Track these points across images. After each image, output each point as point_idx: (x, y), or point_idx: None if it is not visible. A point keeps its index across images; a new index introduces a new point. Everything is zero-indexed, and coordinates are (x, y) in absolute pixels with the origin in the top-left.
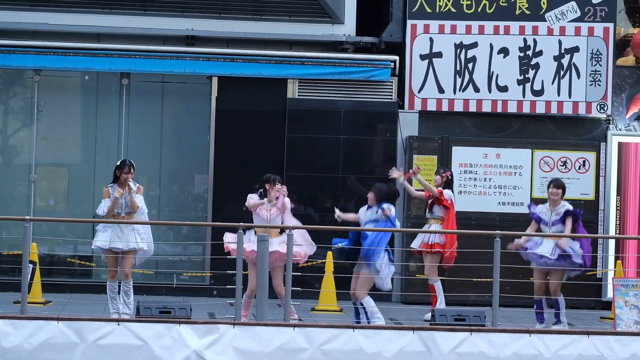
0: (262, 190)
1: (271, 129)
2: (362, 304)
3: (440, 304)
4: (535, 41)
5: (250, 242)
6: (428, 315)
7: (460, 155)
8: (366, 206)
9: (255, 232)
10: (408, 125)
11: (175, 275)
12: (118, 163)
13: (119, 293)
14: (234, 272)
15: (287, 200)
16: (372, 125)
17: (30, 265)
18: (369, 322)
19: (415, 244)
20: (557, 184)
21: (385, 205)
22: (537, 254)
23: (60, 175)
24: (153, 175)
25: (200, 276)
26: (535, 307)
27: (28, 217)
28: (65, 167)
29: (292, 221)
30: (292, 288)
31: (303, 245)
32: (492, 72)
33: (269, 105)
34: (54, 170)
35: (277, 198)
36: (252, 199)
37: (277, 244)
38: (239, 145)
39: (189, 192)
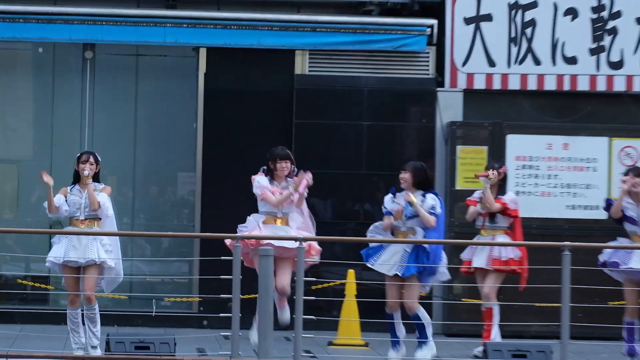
0: (265, 168)
1: (275, 114)
2: (416, 317)
3: (495, 335)
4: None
5: (257, 228)
6: (479, 350)
7: (517, 145)
8: (390, 195)
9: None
10: (450, 107)
11: (155, 300)
12: (78, 155)
13: (82, 323)
14: (229, 296)
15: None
16: (404, 109)
17: None
18: (423, 340)
19: (480, 261)
20: (638, 172)
21: (430, 198)
22: (630, 268)
23: (7, 174)
24: (125, 174)
25: (186, 302)
26: (626, 336)
27: None
28: (13, 164)
29: (307, 222)
30: (304, 317)
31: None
32: (557, 39)
33: (271, 84)
34: None
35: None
36: (264, 187)
37: (285, 234)
38: (234, 135)
39: (171, 195)
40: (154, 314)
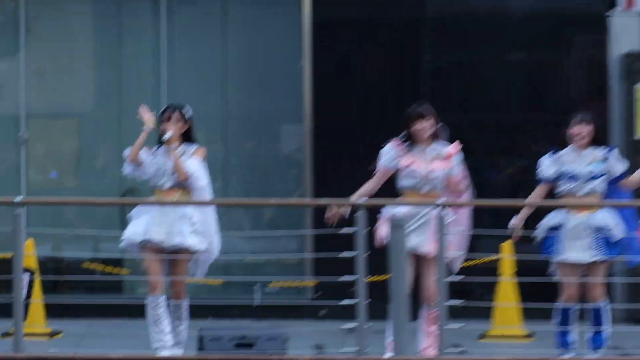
0: (405, 134)
1: (399, 48)
2: (599, 308)
3: None
4: None
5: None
6: None
7: None
8: (550, 157)
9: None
10: (625, 35)
11: (258, 286)
12: (161, 111)
13: (167, 315)
14: (353, 277)
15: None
16: (564, 37)
17: (26, 276)
18: (599, 338)
19: None
20: None
21: (615, 155)
22: None
23: (65, 131)
24: (213, 127)
25: (297, 287)
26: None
27: (18, 198)
28: (73, 119)
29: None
30: (449, 302)
31: (457, 243)
32: None
33: (396, 11)
34: (55, 123)
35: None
36: (381, 162)
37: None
38: (350, 76)
39: (273, 152)
40: (256, 303)
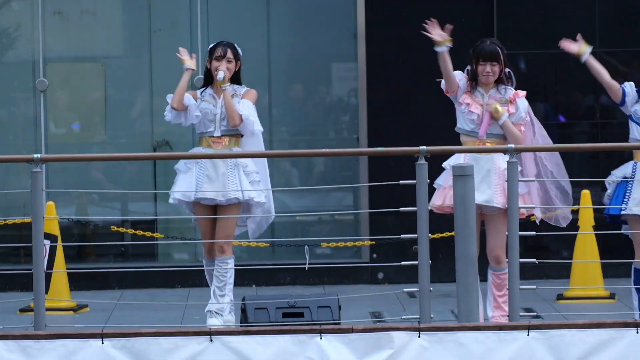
0: (469, 69)
1: None
2: None
3: None
4: None
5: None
6: None
7: None
8: (630, 85)
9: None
10: None
11: (308, 248)
12: (210, 47)
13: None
14: (413, 236)
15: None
16: None
17: (47, 243)
18: None
19: None
20: None
21: None
22: None
23: (90, 76)
24: (256, 68)
25: (352, 248)
26: None
27: (37, 155)
28: (98, 62)
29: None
30: (522, 260)
31: (535, 190)
32: None
33: None
34: (78, 68)
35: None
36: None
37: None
38: (411, 7)
39: (323, 96)
40: (307, 266)
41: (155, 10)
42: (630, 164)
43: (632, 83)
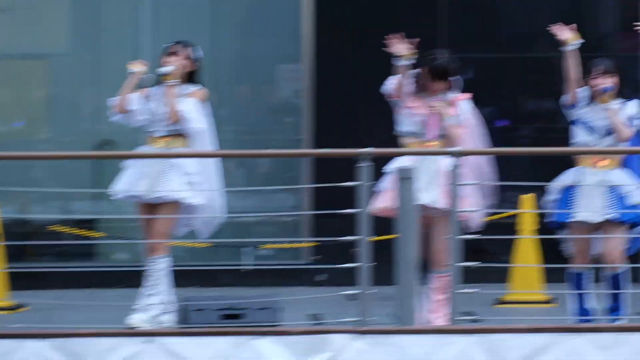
0: (418, 72)
1: None
2: (616, 276)
3: None
4: None
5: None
6: None
7: None
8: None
9: None
10: None
11: (245, 250)
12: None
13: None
14: (355, 237)
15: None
16: None
17: None
18: (616, 308)
19: None
20: None
21: (634, 105)
22: None
23: (34, 73)
24: (202, 70)
25: (293, 250)
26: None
27: None
28: (43, 60)
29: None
30: (462, 264)
31: (470, 198)
32: None
33: None
34: (22, 65)
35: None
36: (390, 84)
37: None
38: (355, 10)
39: (269, 97)
40: (247, 268)
41: (104, 8)
42: (573, 170)
43: (586, 87)
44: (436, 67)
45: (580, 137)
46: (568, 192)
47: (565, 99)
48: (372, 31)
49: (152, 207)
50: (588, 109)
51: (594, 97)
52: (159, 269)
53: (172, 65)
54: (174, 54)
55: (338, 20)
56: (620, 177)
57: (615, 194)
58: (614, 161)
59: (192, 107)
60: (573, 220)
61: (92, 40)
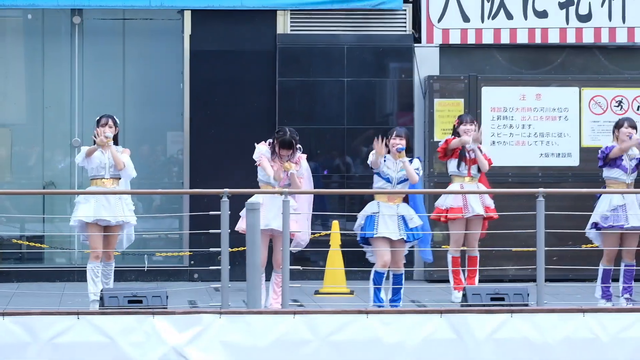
0: (271, 141)
1: (259, 72)
2: (399, 277)
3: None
4: None
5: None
6: (458, 295)
7: (492, 97)
8: (383, 158)
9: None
10: (427, 62)
11: (147, 256)
12: (97, 118)
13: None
14: (219, 249)
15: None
16: (383, 65)
17: None
18: (397, 300)
19: (479, 209)
20: (633, 123)
21: (417, 162)
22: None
23: (1, 138)
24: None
25: (177, 256)
26: (602, 278)
27: None
28: (6, 128)
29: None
30: (291, 267)
31: (301, 224)
32: None
33: (255, 43)
34: None
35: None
36: (262, 154)
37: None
38: (220, 93)
39: (161, 154)
40: (146, 268)
41: (47, 91)
42: (375, 202)
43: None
44: (284, 140)
45: (379, 183)
46: (372, 218)
47: (371, 161)
48: (230, 109)
49: (104, 227)
50: (387, 164)
51: (392, 153)
52: (113, 269)
53: (110, 132)
54: (106, 123)
55: (209, 94)
56: (406, 209)
57: (403, 220)
58: (400, 198)
59: (128, 160)
60: (376, 236)
61: (40, 114)
